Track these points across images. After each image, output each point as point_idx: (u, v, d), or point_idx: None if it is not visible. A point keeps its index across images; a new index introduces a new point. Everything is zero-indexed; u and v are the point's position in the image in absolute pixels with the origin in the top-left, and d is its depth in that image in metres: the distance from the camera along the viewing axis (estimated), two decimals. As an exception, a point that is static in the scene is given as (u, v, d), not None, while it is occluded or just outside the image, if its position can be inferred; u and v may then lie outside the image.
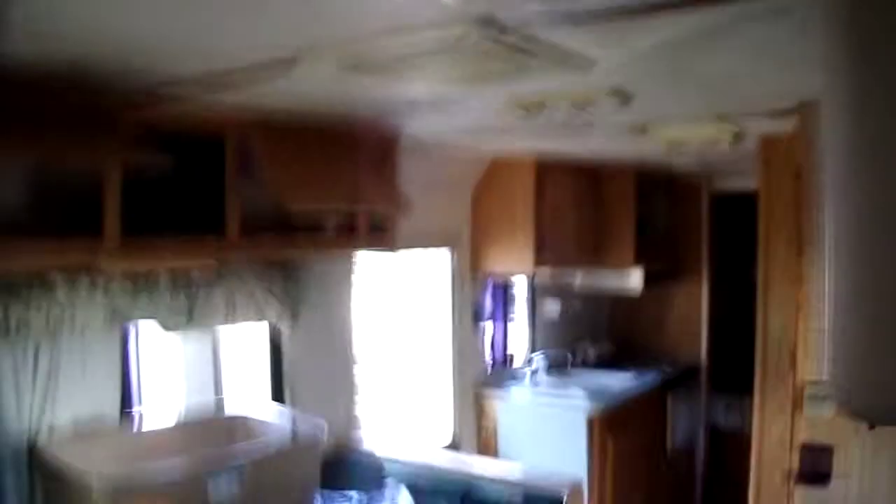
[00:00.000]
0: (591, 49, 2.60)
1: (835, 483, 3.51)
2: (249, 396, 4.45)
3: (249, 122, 3.70)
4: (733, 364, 7.57)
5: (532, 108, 3.56)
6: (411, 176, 4.69)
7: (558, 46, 2.53)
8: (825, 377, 3.45)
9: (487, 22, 2.21)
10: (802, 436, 3.59)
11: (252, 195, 3.77)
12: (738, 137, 4.41)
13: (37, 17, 2.15)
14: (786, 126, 4.03)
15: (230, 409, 4.22)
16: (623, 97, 3.35)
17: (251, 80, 2.99)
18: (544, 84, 3.12)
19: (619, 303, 7.78)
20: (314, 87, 3.18)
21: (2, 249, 2.98)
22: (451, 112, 3.79)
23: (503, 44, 2.40)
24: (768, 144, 4.40)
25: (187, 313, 3.84)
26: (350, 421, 4.98)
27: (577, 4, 2.07)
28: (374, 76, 2.89)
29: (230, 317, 4.05)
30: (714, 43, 2.52)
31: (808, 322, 3.54)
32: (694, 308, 7.57)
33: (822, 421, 3.52)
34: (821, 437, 3.54)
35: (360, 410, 5.09)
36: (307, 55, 2.60)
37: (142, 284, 3.65)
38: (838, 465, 3.51)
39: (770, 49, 2.59)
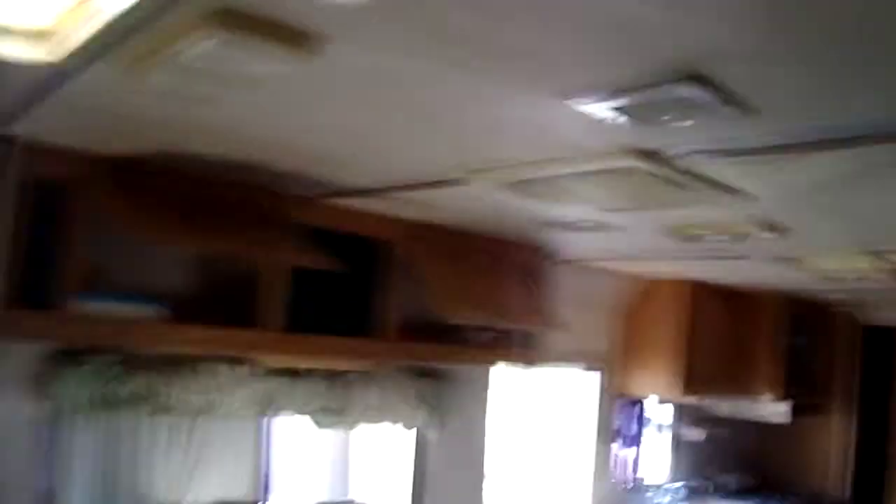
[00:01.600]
0: (750, 183, 2.69)
1: None
2: (385, 498, 4.54)
3: (413, 231, 3.89)
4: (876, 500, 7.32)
5: (689, 238, 3.64)
6: (564, 293, 4.77)
7: (717, 181, 2.64)
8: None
9: (651, 154, 2.35)
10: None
11: (410, 302, 3.92)
12: (892, 272, 4.38)
13: (232, 125, 2.39)
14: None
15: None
16: (778, 230, 3.41)
17: (420, 196, 3.19)
18: (702, 214, 3.22)
19: (763, 435, 7.60)
20: (476, 205, 3.37)
21: (174, 332, 3.22)
22: (610, 236, 3.90)
23: (664, 177, 2.53)
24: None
25: (339, 411, 3.96)
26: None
27: (740, 143, 2.19)
28: (537, 199, 3.06)
29: (380, 419, 4.16)
30: (865, 180, 2.58)
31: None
32: (840, 443, 7.36)
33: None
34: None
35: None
36: (475, 176, 2.78)
37: (299, 378, 3.81)
38: None
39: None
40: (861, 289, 5.49)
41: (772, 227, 3.37)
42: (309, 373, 3.85)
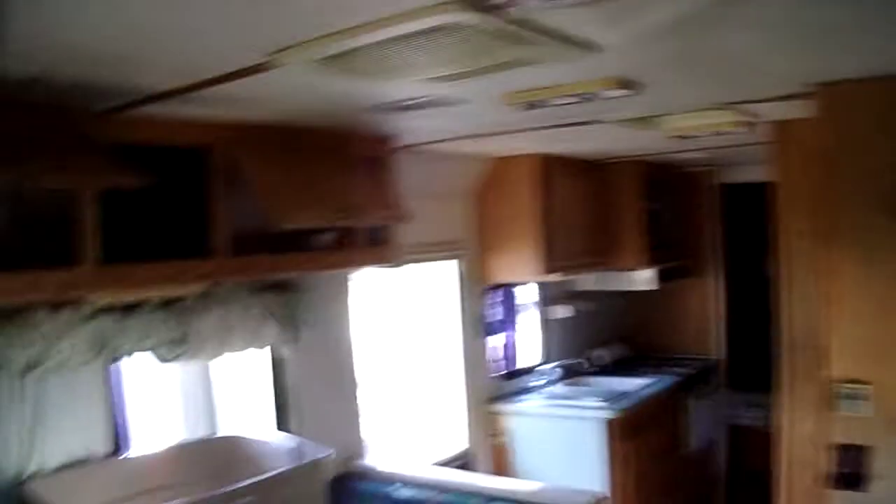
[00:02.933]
0: (593, 31, 2.40)
1: (873, 485, 3.32)
2: (252, 424, 4.23)
3: (234, 134, 3.51)
4: (752, 361, 7.40)
5: (533, 104, 3.38)
6: (410, 184, 4.50)
7: (556, 30, 2.34)
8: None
9: (482, 5, 2.01)
10: (836, 436, 3.40)
11: (241, 213, 3.56)
12: (749, 125, 4.21)
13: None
14: (799, 110, 3.85)
15: (230, 438, 4.01)
16: (628, 86, 3.15)
17: (227, 90, 2.81)
18: (543, 74, 2.93)
19: (632, 304, 7.60)
20: (295, 92, 3.00)
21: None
22: (447, 113, 3.60)
23: (499, 30, 2.20)
24: (783, 130, 4.22)
25: (181, 342, 3.63)
26: (357, 442, 4.79)
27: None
28: (360, 76, 2.70)
29: (227, 344, 3.84)
30: (727, 17, 2.32)
31: (842, 318, 3.34)
32: (709, 305, 7.40)
33: (858, 421, 3.32)
34: (856, 438, 3.35)
35: (366, 430, 4.89)
36: (283, 57, 2.40)
37: (130, 314, 3.45)
38: (875, 466, 3.32)
39: (789, 21, 2.39)
40: (718, 146, 5.38)
41: (621, 83, 3.09)
42: (141, 305, 3.48)
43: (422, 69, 2.65)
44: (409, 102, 3.32)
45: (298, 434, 4.18)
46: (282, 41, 2.31)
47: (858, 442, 3.35)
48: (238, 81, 2.68)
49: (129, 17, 1.98)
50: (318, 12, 2.04)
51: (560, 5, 2.05)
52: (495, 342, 6.23)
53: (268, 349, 4.24)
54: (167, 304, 3.58)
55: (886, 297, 3.25)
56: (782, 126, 4.22)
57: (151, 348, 3.55)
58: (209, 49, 2.34)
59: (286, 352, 4.21)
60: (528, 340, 6.64)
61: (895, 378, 3.25)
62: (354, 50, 2.34)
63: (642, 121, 4.17)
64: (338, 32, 2.21)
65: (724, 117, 4.05)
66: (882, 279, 3.26)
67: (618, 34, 2.44)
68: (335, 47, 2.31)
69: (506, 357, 6.36)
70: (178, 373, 4.06)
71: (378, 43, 2.28)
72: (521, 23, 2.20)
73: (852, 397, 3.31)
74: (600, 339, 7.47)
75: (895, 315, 3.24)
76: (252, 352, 4.11)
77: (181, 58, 2.41)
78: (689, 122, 4.20)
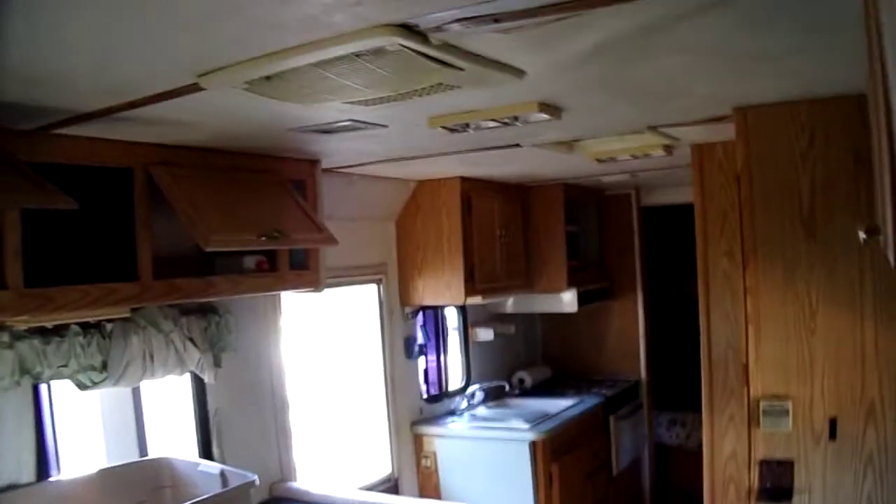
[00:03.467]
0: (518, 57, 2.43)
1: (796, 498, 3.39)
2: (180, 448, 4.16)
3: (160, 155, 3.47)
4: (674, 380, 7.50)
5: (455, 128, 3.39)
6: (333, 207, 4.48)
7: (482, 55, 2.36)
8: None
9: (407, 30, 2.02)
10: (760, 451, 3.46)
11: (167, 236, 3.52)
12: (670, 148, 4.29)
13: None
14: (718, 133, 3.94)
15: (158, 461, 3.92)
16: (551, 110, 3.19)
17: (154, 111, 2.77)
18: (469, 100, 2.95)
19: (555, 326, 7.66)
20: (221, 114, 2.97)
21: None
22: (372, 136, 3.60)
23: (425, 55, 2.21)
24: (702, 153, 4.31)
25: (101, 368, 3.54)
26: (286, 465, 4.72)
27: (501, 4, 1.88)
28: (287, 99, 2.69)
29: (148, 371, 3.73)
30: (652, 44, 2.37)
31: (761, 336, 3.40)
32: (630, 325, 7.47)
33: (780, 436, 3.39)
34: (780, 453, 3.41)
35: (296, 454, 4.82)
36: (211, 79, 2.38)
37: (51, 339, 3.34)
38: (799, 479, 3.39)
39: (709, 48, 2.44)
40: (639, 169, 5.46)
41: (543, 108, 3.13)
42: (62, 330, 3.38)
43: (349, 93, 2.65)
44: (335, 125, 3.31)
45: (222, 459, 4.12)
46: (210, 63, 2.29)
47: (781, 456, 3.41)
48: (165, 103, 2.65)
49: (56, 36, 1.95)
50: (248, 35, 2.02)
51: (484, 31, 2.07)
52: (424, 364, 6.21)
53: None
54: (89, 328, 3.49)
55: (803, 315, 3.33)
56: (702, 149, 4.31)
57: (71, 375, 3.44)
58: (137, 70, 2.31)
59: (209, 377, 4.13)
60: (453, 363, 6.63)
61: (812, 393, 3.33)
62: (282, 73, 2.34)
63: (564, 144, 4.21)
64: (267, 55, 2.20)
65: (646, 140, 4.12)
66: (798, 298, 3.34)
67: (541, 60, 2.47)
68: (264, 70, 2.30)
69: (433, 379, 6.35)
70: (108, 395, 3.94)
71: (306, 66, 2.27)
72: (447, 48, 2.22)
73: (773, 413, 3.38)
74: (523, 362, 7.51)
75: (811, 332, 3.32)
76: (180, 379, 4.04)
77: (109, 78, 2.37)
78: (611, 145, 4.26)
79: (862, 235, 1.72)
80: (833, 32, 2.31)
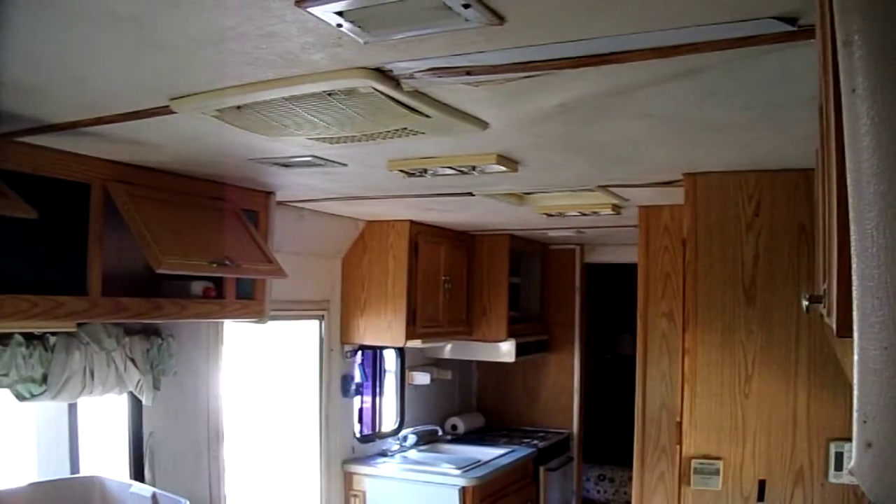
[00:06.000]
0: (483, 109, 2.50)
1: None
2: (109, 471, 4.12)
3: (119, 173, 3.48)
4: (606, 435, 7.58)
5: (411, 172, 3.46)
6: (281, 240, 4.51)
7: (449, 105, 2.43)
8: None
9: (382, 74, 2.08)
10: (689, 510, 3.53)
11: (115, 253, 3.51)
12: (618, 207, 4.39)
13: None
14: (665, 197, 4.04)
15: (89, 479, 3.87)
16: (508, 162, 3.27)
17: (121, 129, 2.79)
18: (430, 146, 3.02)
19: (491, 374, 7.71)
20: (185, 138, 2.99)
21: None
22: (329, 173, 3.65)
23: (395, 100, 2.27)
24: (649, 215, 4.41)
25: (41, 382, 3.52)
26: (214, 495, 4.69)
27: (475, 58, 1.95)
28: (253, 129, 2.72)
29: (88, 387, 3.71)
30: (614, 108, 2.46)
31: (695, 396, 3.49)
32: (566, 379, 7.53)
33: (710, 494, 3.46)
34: (708, 512, 3.49)
35: (225, 484, 4.79)
36: (183, 103, 2.42)
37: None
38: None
39: (667, 115, 2.54)
40: (586, 226, 5.55)
41: (501, 160, 3.22)
42: (4, 339, 3.34)
43: (315, 129, 2.70)
44: (296, 160, 3.35)
45: (153, 482, 4.08)
46: (184, 88, 2.33)
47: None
48: (133, 122, 2.67)
49: (32, 46, 1.97)
50: (226, 64, 2.07)
51: (455, 82, 2.14)
52: (358, 404, 6.21)
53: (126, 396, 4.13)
54: (32, 340, 3.46)
55: (738, 379, 3.42)
56: (649, 211, 4.41)
57: (10, 385, 3.40)
58: (110, 87, 2.33)
59: (147, 399, 4.10)
60: (388, 404, 6.65)
61: (744, 454, 3.41)
62: (254, 104, 2.38)
63: (516, 196, 4.29)
64: (242, 86, 2.24)
65: (595, 199, 4.21)
66: (735, 361, 3.43)
67: (506, 114, 2.55)
68: (237, 100, 2.34)
69: (367, 419, 6.36)
70: (44, 408, 3.89)
71: (278, 100, 2.33)
72: (417, 94, 2.28)
73: (704, 472, 3.45)
74: (458, 408, 7.54)
75: (745, 395, 3.41)
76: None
77: (80, 92, 2.39)
78: (561, 200, 4.35)
79: (805, 302, 1.80)
80: (786, 110, 2.42)
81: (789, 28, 1.67)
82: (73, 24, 1.82)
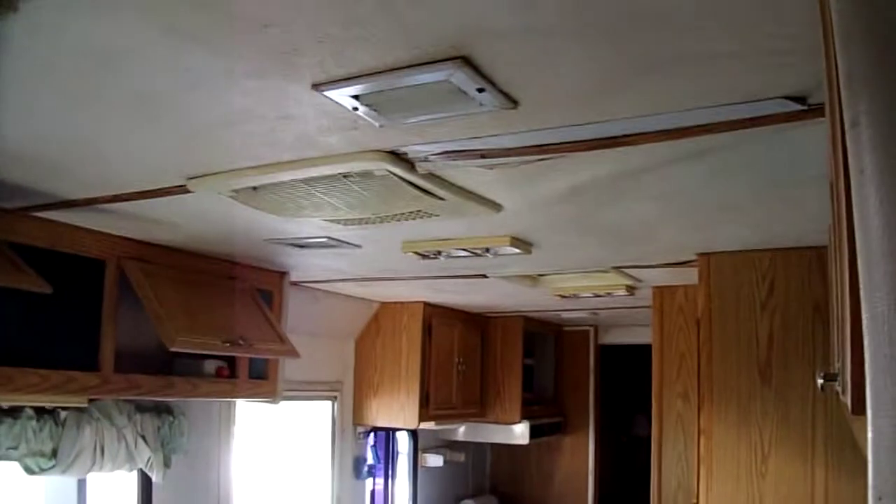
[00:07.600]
0: (497, 192, 2.53)
1: None
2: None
3: (134, 250, 3.51)
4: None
5: (429, 253, 3.48)
6: (295, 321, 4.51)
7: (464, 188, 2.46)
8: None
9: (396, 157, 2.12)
10: None
11: (128, 329, 3.52)
12: (631, 288, 4.40)
13: None
14: (679, 277, 4.04)
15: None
16: (522, 244, 3.29)
17: (137, 207, 2.83)
18: (444, 228, 3.05)
19: (505, 456, 7.64)
20: (200, 217, 3.03)
21: None
22: (343, 255, 3.67)
23: (410, 182, 2.30)
24: (663, 295, 4.41)
25: (51, 455, 3.49)
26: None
27: (489, 141, 1.98)
28: (268, 210, 2.75)
29: (97, 463, 3.69)
30: (626, 189, 2.49)
31: (712, 477, 3.45)
32: (580, 461, 7.46)
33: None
34: None
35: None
36: (200, 183, 2.45)
37: (3, 420, 3.28)
38: None
39: (678, 196, 2.56)
40: (599, 308, 5.55)
41: (515, 242, 3.24)
42: (15, 412, 3.33)
43: (330, 211, 2.73)
44: (310, 240, 3.38)
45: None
46: (201, 168, 2.36)
47: None
48: (150, 200, 2.71)
49: (56, 126, 2.01)
50: (243, 146, 2.11)
51: (469, 165, 2.17)
52: (371, 486, 6.15)
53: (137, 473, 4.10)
54: (43, 413, 3.45)
55: (755, 459, 3.39)
56: (663, 291, 4.42)
57: (19, 458, 3.38)
58: (128, 166, 2.37)
59: (157, 476, 4.07)
60: (401, 487, 6.58)
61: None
62: (270, 185, 2.42)
63: (529, 278, 4.30)
64: (258, 167, 2.28)
65: (609, 280, 4.22)
66: (751, 442, 3.40)
67: (520, 196, 2.58)
68: (253, 181, 2.38)
69: (380, 502, 6.29)
70: (53, 483, 3.85)
71: (294, 181, 2.36)
72: (431, 177, 2.31)
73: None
74: (471, 490, 7.46)
75: (762, 476, 3.37)
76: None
77: (99, 170, 2.43)
78: (575, 282, 4.36)
79: (820, 381, 1.80)
80: (796, 188, 2.44)
81: (800, 107, 1.69)
82: (94, 105, 1.86)
